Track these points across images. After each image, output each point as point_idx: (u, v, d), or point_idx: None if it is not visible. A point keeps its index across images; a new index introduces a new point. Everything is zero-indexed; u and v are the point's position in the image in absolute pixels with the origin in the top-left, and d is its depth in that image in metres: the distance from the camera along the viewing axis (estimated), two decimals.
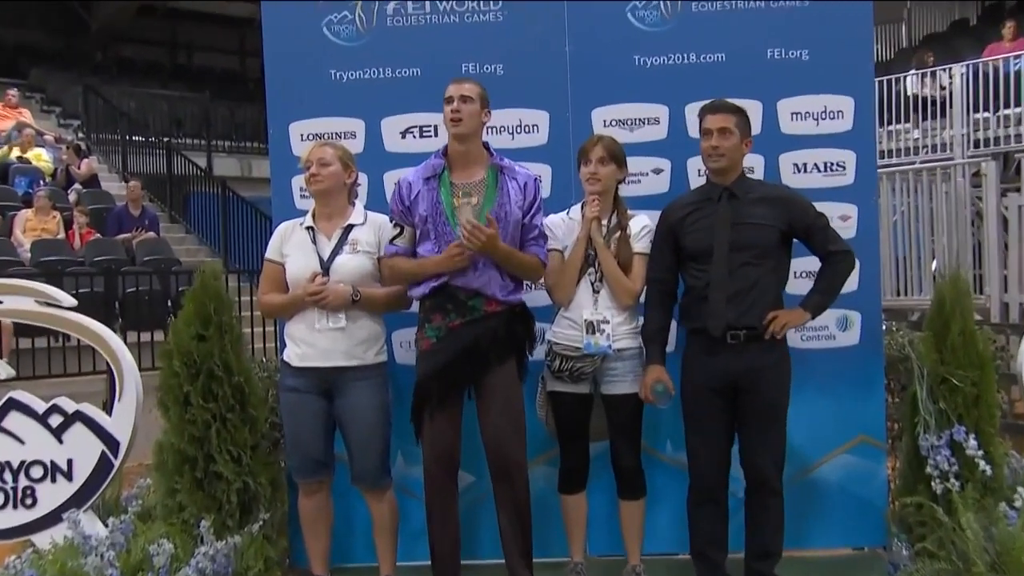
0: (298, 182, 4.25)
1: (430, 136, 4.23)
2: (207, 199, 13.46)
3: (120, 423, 4.05)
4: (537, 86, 4.24)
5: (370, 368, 3.70)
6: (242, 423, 3.87)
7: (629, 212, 3.90)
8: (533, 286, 3.94)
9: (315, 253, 3.76)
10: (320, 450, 3.77)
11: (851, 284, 3.90)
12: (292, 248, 3.80)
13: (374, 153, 4.27)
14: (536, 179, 3.71)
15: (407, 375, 3.86)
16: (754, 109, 4.05)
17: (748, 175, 3.83)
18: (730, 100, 3.76)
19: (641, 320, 3.80)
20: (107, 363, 4.07)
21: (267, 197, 4.42)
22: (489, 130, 3.87)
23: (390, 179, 4.20)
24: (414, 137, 4.26)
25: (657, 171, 4.27)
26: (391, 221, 3.73)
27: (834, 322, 4.22)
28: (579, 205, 3.95)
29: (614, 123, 4.25)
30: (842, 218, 4.15)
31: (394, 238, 3.70)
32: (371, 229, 3.81)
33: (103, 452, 4.02)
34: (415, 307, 3.79)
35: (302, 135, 4.31)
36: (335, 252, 3.75)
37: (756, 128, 3.98)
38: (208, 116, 17.58)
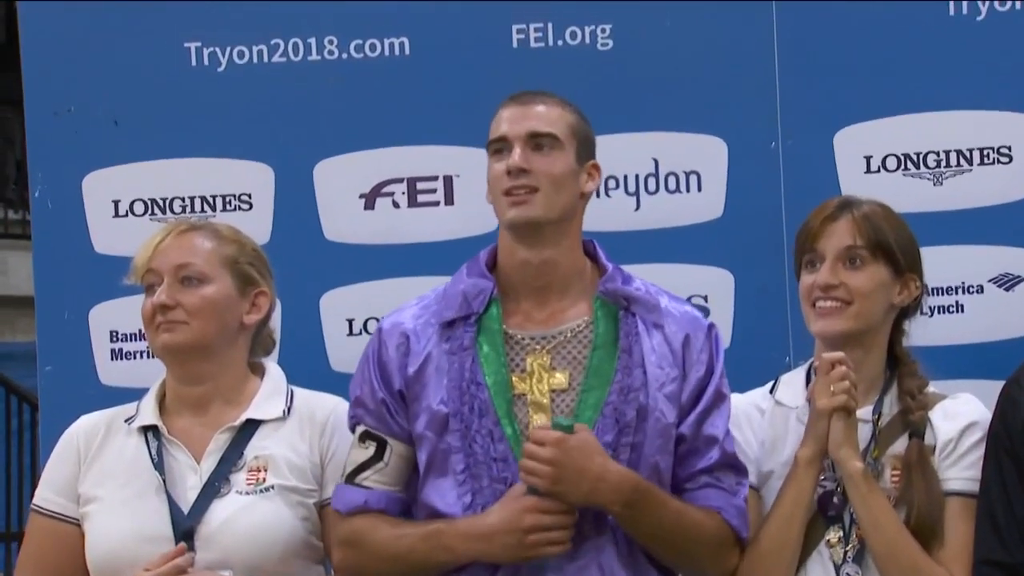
0: (110, 315, 2.81)
1: (435, 203, 2.80)
2: None
3: None
4: (693, 76, 2.82)
5: None
6: None
7: (933, 391, 2.35)
8: None
9: (162, 494, 2.38)
10: None
11: None
12: (103, 483, 2.40)
13: (298, 248, 2.84)
14: (711, 329, 2.30)
15: None
16: None
17: None
18: None
19: None
20: None
21: (29, 349, 3.13)
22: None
23: (332, 311, 2.83)
24: (395, 206, 2.82)
25: (1007, 282, 2.77)
26: (353, 426, 2.31)
27: None
28: (801, 371, 2.43)
29: (892, 162, 2.76)
30: None
31: (357, 469, 2.28)
32: (301, 431, 2.44)
33: None
34: None
35: (117, 203, 2.85)
36: (211, 491, 2.36)
37: None
38: None
